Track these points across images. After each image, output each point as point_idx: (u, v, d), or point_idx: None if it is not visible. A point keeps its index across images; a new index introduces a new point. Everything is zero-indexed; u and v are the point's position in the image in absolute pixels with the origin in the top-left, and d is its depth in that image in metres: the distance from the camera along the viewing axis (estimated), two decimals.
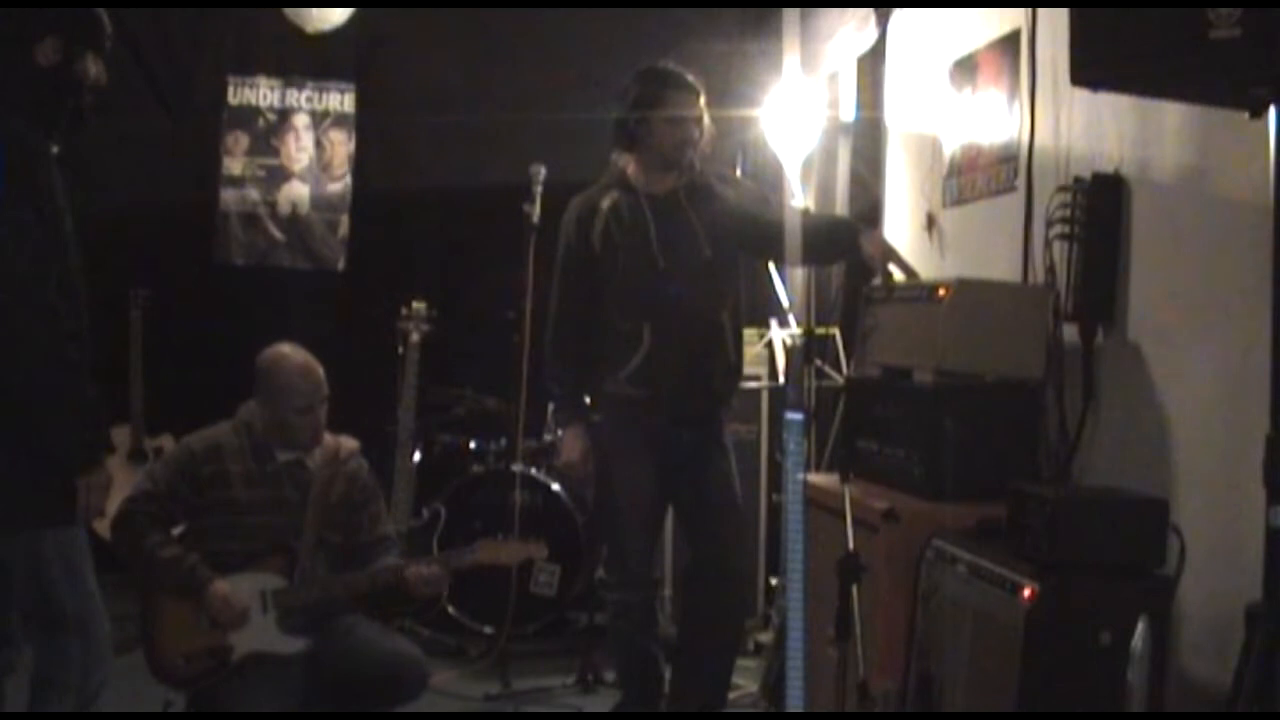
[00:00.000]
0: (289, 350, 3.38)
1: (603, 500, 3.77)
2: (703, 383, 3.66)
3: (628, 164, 3.69)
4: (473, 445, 5.26)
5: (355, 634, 3.31)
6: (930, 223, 4.49)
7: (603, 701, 4.26)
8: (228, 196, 6.13)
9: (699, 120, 3.63)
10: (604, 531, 3.86)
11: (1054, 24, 3.58)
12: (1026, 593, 2.65)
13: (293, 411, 3.30)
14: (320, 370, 3.36)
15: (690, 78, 3.64)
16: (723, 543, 3.68)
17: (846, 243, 3.68)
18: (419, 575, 3.26)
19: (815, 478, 3.87)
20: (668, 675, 3.76)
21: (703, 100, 3.64)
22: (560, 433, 3.87)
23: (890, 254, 3.63)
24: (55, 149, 2.73)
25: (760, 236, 3.69)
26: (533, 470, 4.96)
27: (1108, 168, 3.34)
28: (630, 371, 3.59)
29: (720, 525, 3.68)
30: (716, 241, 3.63)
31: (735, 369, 3.78)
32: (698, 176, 3.70)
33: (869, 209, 5.02)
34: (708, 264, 3.62)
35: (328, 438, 3.41)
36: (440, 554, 4.49)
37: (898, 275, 3.63)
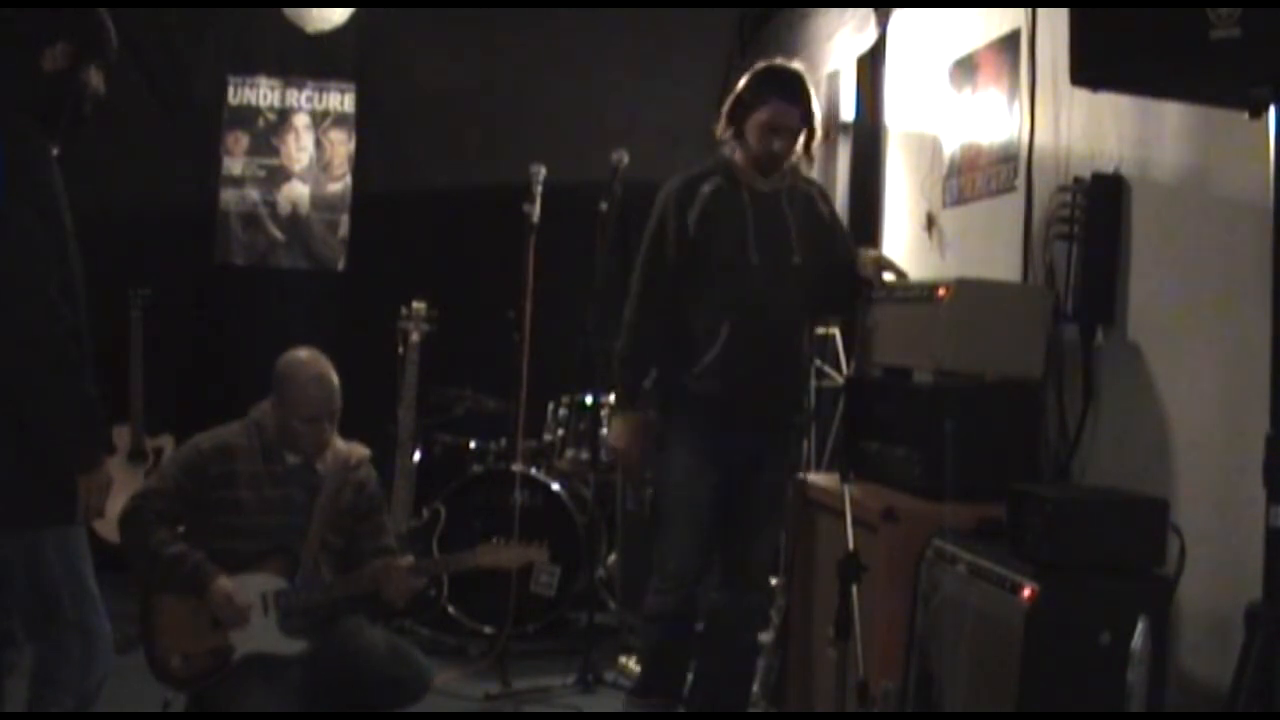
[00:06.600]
0: (307, 358, 3.32)
1: (659, 495, 3.67)
2: (775, 386, 3.57)
3: (735, 153, 3.58)
4: (473, 445, 5.26)
5: (358, 637, 3.29)
6: (930, 223, 4.48)
7: (603, 701, 4.26)
8: (228, 196, 6.14)
9: (792, 132, 3.50)
10: (656, 527, 3.67)
11: (1054, 24, 3.57)
12: (1026, 593, 2.65)
13: (299, 420, 3.26)
14: (335, 383, 3.31)
15: (805, 88, 3.52)
16: (755, 556, 3.63)
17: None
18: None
19: (815, 478, 3.89)
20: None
21: (816, 111, 3.55)
22: (614, 418, 3.63)
23: (886, 267, 3.68)
24: (56, 150, 2.73)
25: (829, 266, 3.63)
26: (533, 470, 4.96)
27: (1108, 168, 3.34)
28: (704, 366, 3.48)
29: (757, 537, 3.62)
30: (806, 250, 3.55)
31: (806, 376, 3.74)
32: (802, 183, 3.65)
33: (868, 209, 5.02)
34: (796, 269, 3.54)
35: (339, 444, 3.37)
36: (440, 557, 4.51)
37: (889, 278, 3.67)
